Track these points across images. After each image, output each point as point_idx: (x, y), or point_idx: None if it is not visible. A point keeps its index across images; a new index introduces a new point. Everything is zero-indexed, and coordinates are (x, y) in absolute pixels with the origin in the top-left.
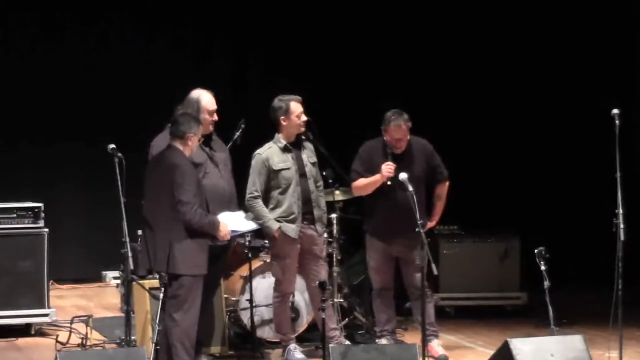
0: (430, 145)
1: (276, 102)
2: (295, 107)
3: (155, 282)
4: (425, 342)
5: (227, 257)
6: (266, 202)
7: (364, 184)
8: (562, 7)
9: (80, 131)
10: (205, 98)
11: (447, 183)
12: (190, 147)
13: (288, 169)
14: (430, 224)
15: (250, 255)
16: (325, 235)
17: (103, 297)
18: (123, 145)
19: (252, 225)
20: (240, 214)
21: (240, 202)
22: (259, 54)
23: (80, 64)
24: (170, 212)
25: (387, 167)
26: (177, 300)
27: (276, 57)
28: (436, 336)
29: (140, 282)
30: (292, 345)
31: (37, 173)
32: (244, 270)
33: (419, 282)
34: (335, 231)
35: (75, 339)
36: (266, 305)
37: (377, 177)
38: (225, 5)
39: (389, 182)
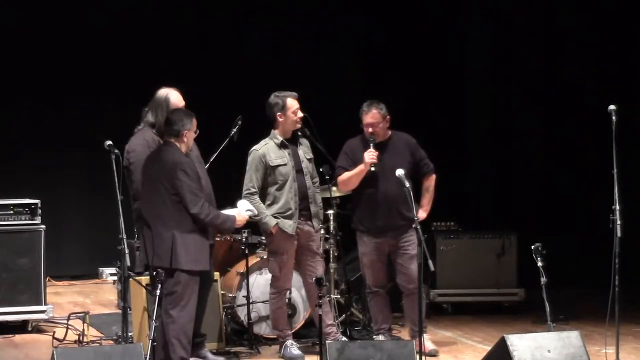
0: (414, 140)
1: (272, 98)
2: (292, 103)
3: None
4: (421, 338)
5: (212, 255)
6: (263, 198)
7: (348, 177)
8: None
9: (79, 130)
10: (173, 96)
11: (434, 176)
12: (186, 143)
13: (285, 165)
14: (421, 217)
15: (247, 252)
16: (322, 231)
17: (100, 294)
18: (122, 143)
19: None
20: (241, 205)
21: (235, 199)
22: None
23: (83, 60)
24: (171, 208)
25: (370, 154)
26: (173, 296)
27: (276, 54)
28: (425, 332)
29: (137, 278)
30: (289, 342)
31: (37, 170)
32: (241, 267)
33: (413, 274)
34: (332, 227)
35: (72, 336)
36: (263, 302)
37: (360, 167)
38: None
39: (372, 169)
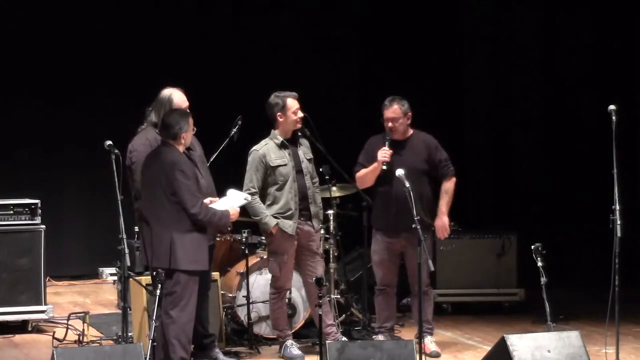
0: (435, 141)
1: (272, 98)
2: (292, 103)
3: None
4: (421, 337)
5: (212, 254)
6: (263, 198)
7: (364, 173)
8: (562, 3)
9: (79, 130)
10: (176, 96)
11: (454, 179)
12: (184, 143)
13: (285, 165)
14: (444, 222)
15: (247, 252)
16: (322, 231)
17: (100, 294)
18: (122, 142)
19: (241, 200)
20: (230, 194)
21: None
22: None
23: (83, 59)
24: (169, 208)
25: (382, 152)
26: (173, 297)
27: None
28: (431, 333)
29: (137, 278)
30: (289, 342)
31: (37, 170)
32: (240, 267)
33: (424, 278)
34: (332, 227)
35: (72, 336)
36: (263, 302)
37: (374, 165)
38: None
39: (384, 167)
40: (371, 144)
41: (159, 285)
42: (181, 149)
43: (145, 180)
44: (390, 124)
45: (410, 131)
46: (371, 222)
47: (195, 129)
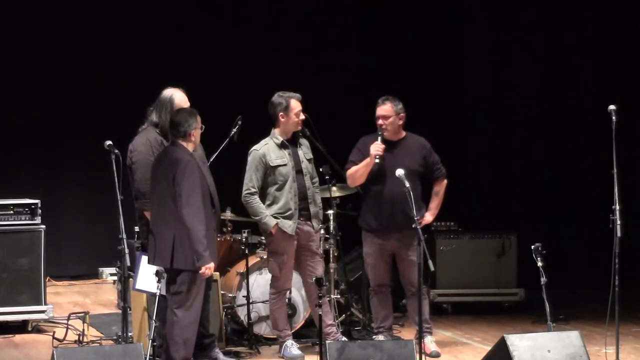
0: (429, 143)
1: (276, 97)
2: (295, 104)
3: None
4: (421, 338)
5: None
6: (262, 198)
7: (355, 169)
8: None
9: (80, 129)
10: (178, 96)
11: (446, 181)
12: (194, 142)
13: (285, 165)
14: (427, 220)
15: (247, 252)
16: (322, 231)
17: (100, 294)
18: (123, 142)
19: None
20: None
21: (235, 199)
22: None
23: (84, 59)
24: (174, 208)
25: (375, 146)
26: (179, 296)
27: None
28: (430, 333)
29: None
30: (289, 342)
31: (37, 170)
32: (240, 267)
33: (414, 280)
34: (332, 227)
35: (72, 336)
36: (263, 302)
37: (367, 160)
38: None
39: (377, 160)
40: (363, 143)
41: (159, 284)
42: (191, 147)
43: (154, 180)
44: (380, 121)
45: (404, 133)
46: (362, 223)
47: (203, 126)
